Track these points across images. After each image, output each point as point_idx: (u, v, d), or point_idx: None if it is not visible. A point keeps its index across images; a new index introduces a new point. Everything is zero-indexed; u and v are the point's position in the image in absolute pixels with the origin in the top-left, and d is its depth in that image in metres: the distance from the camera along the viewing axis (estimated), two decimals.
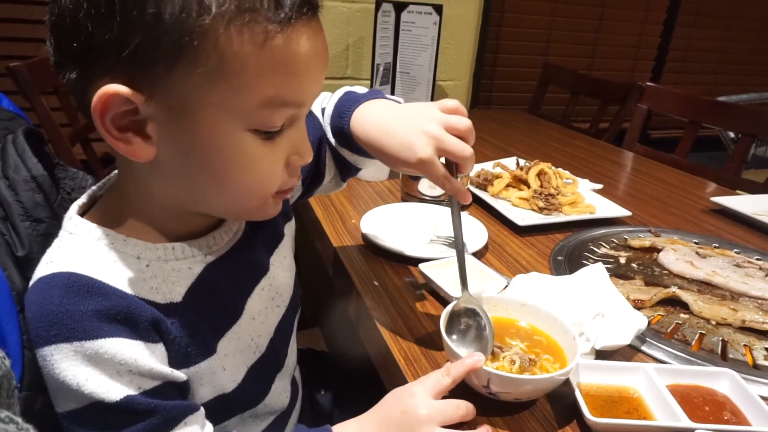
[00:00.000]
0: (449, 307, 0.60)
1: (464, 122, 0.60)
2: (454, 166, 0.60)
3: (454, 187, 0.59)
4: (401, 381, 0.60)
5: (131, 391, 0.45)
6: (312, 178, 0.73)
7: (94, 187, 0.55)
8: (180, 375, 0.50)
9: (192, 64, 0.42)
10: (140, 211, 0.51)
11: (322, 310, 1.49)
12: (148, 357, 0.47)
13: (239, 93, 0.44)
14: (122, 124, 0.44)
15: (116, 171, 0.56)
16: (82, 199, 0.53)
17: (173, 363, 0.50)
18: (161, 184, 0.49)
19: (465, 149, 0.58)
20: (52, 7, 0.43)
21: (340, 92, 0.70)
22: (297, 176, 0.54)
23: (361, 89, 0.70)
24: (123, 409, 0.44)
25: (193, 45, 0.41)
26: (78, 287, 0.45)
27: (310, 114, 0.72)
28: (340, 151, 0.71)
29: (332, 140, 0.70)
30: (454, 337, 0.59)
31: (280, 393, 0.67)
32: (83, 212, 0.52)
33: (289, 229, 0.70)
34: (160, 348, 0.48)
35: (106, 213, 0.52)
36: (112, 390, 0.44)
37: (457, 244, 0.61)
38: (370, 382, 0.82)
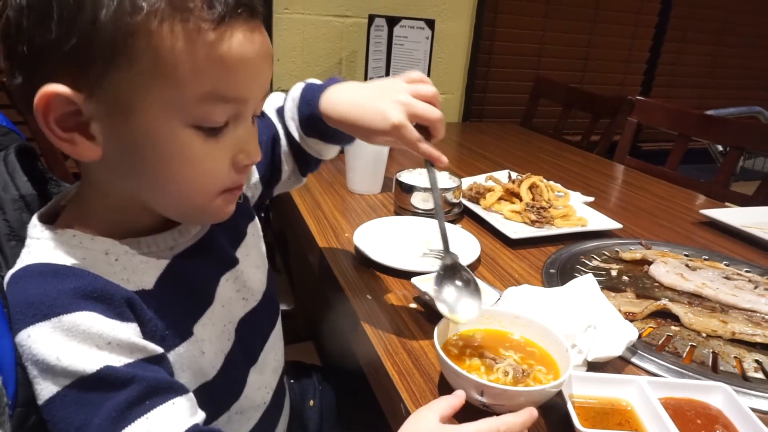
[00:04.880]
0: (444, 319, 0.61)
1: (430, 89, 0.65)
2: (426, 135, 0.64)
3: (427, 150, 0.63)
4: (394, 394, 0.60)
5: (110, 361, 0.45)
6: (269, 175, 0.75)
7: (54, 200, 0.55)
8: (157, 348, 0.49)
9: (127, 62, 0.43)
10: (102, 213, 0.52)
11: (315, 324, 1.49)
12: (125, 332, 0.47)
13: (175, 89, 0.45)
14: (68, 125, 0.46)
15: (76, 183, 0.57)
16: (44, 209, 0.54)
17: None
18: (112, 182, 0.51)
19: (434, 111, 0.63)
20: (2, 18, 0.45)
21: (298, 87, 0.73)
22: (245, 175, 0.55)
23: (319, 81, 0.73)
24: (102, 381, 0.44)
25: (128, 44, 0.43)
26: (54, 271, 0.47)
27: (261, 114, 0.74)
28: (304, 144, 0.73)
29: (296, 133, 0.73)
30: (446, 298, 0.61)
31: (258, 388, 0.67)
32: (47, 220, 0.53)
33: (253, 228, 0.70)
34: (134, 327, 0.48)
35: (69, 218, 0.53)
36: (91, 360, 0.44)
37: (436, 205, 0.66)
38: (360, 395, 0.82)
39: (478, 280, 0.77)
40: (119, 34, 0.42)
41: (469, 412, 0.53)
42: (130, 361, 0.46)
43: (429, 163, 0.65)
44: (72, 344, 0.44)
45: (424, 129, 0.64)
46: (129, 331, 0.47)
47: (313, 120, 0.69)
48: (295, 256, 1.51)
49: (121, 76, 0.44)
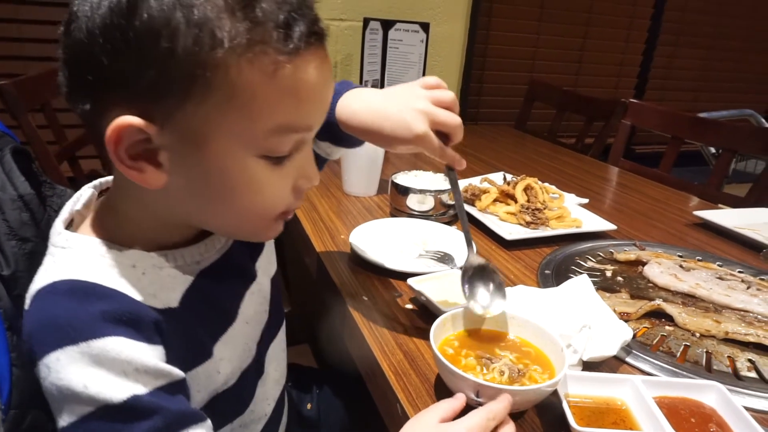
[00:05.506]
0: (441, 319, 0.61)
1: (449, 95, 0.65)
2: (444, 139, 0.64)
3: (449, 155, 0.64)
4: (390, 394, 0.60)
5: (136, 390, 0.44)
6: None
7: (69, 205, 0.55)
8: (180, 372, 0.49)
9: (204, 95, 0.43)
10: (133, 223, 0.52)
11: (311, 326, 1.49)
12: (152, 356, 0.46)
13: (250, 121, 0.45)
14: (136, 152, 0.45)
15: (87, 186, 0.56)
16: (64, 215, 0.53)
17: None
18: (167, 204, 0.50)
19: (455, 118, 0.63)
20: (66, 39, 0.44)
21: None
22: (303, 199, 0.55)
23: None
24: (128, 410, 0.44)
25: (206, 77, 0.42)
26: (83, 291, 0.46)
27: None
28: (315, 145, 0.72)
29: None
30: (476, 293, 0.63)
31: (261, 400, 0.67)
32: (68, 225, 0.52)
33: None
34: (160, 350, 0.48)
35: (97, 226, 0.52)
36: (118, 389, 0.43)
37: (459, 207, 0.66)
38: (357, 396, 0.82)
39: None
40: (197, 67, 0.41)
41: (465, 412, 0.54)
42: (155, 387, 0.46)
43: (449, 167, 0.66)
44: (100, 372, 0.43)
45: (442, 133, 0.64)
46: (155, 356, 0.47)
47: (327, 126, 0.67)
48: (290, 258, 1.51)
49: (196, 108, 0.43)
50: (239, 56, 0.42)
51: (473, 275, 0.65)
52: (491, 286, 0.64)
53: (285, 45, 0.44)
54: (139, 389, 0.44)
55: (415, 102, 0.63)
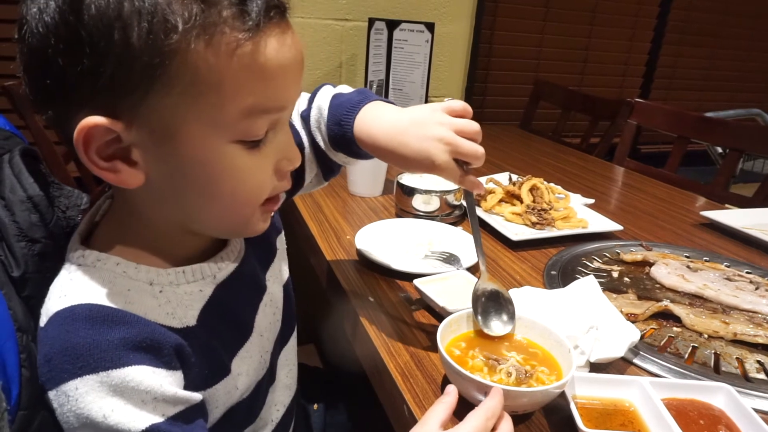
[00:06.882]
0: (448, 320, 0.61)
1: (473, 126, 0.63)
2: (464, 163, 0.63)
3: (469, 181, 0.63)
4: (397, 395, 0.60)
5: (155, 419, 0.44)
6: (294, 182, 0.74)
7: (88, 217, 0.54)
8: (197, 396, 0.49)
9: (167, 85, 0.42)
10: (142, 237, 0.51)
11: (317, 327, 1.49)
12: (171, 384, 0.46)
13: (218, 107, 0.44)
14: (108, 153, 0.44)
15: (105, 196, 0.56)
16: (81, 227, 0.53)
17: (191, 387, 0.49)
18: (154, 206, 0.49)
19: (477, 150, 0.62)
20: (21, 46, 0.43)
21: (325, 96, 0.68)
22: (287, 180, 0.54)
23: (346, 88, 0.70)
24: None
25: (165, 65, 0.41)
26: (102, 318, 0.45)
27: None
28: (330, 153, 0.70)
29: (322, 144, 0.70)
30: (480, 318, 0.63)
31: (270, 406, 0.67)
32: (85, 239, 0.52)
33: (281, 242, 0.70)
34: (179, 375, 0.48)
35: (110, 240, 0.51)
36: (138, 419, 0.43)
37: (475, 232, 0.67)
38: (363, 397, 0.82)
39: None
40: (155, 56, 0.40)
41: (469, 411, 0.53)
42: (173, 414, 0.45)
43: (467, 192, 0.66)
44: (119, 402, 0.43)
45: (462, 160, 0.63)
46: (174, 382, 0.47)
47: (344, 140, 0.66)
48: (295, 259, 1.51)
49: (161, 100, 0.42)
50: (196, 40, 0.41)
51: (486, 302, 0.64)
52: (504, 316, 0.63)
53: (243, 22, 0.42)
54: (158, 418, 0.44)
55: (437, 130, 0.61)
